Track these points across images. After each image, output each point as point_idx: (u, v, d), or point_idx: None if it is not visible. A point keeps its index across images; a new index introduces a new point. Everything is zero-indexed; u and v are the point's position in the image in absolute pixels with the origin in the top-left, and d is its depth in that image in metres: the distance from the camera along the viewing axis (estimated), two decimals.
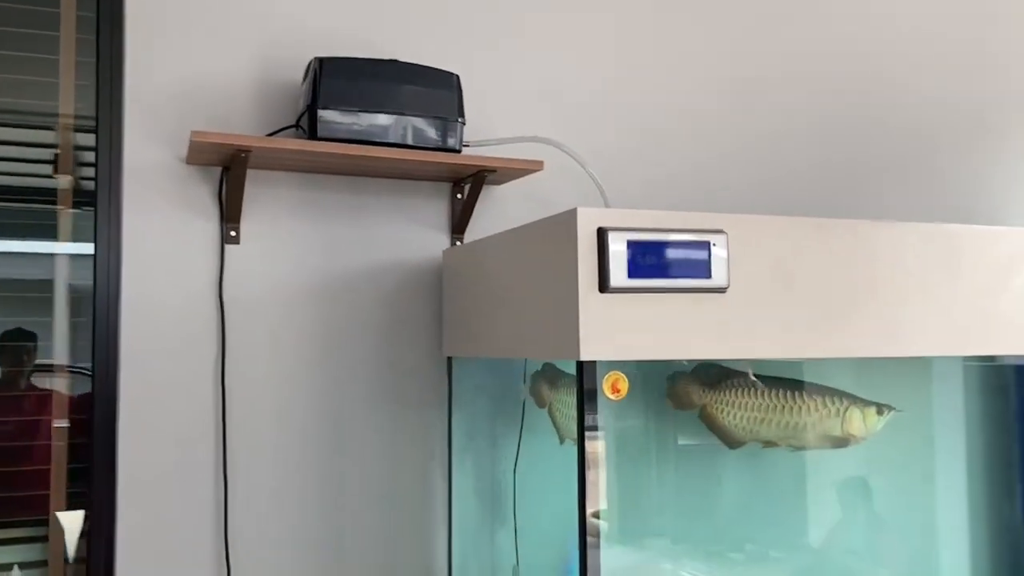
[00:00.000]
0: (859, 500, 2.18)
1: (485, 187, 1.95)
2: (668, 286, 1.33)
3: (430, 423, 1.91)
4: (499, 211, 1.98)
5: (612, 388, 1.32)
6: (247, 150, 1.64)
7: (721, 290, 1.36)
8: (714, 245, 1.36)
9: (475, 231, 1.97)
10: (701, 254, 1.35)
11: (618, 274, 1.29)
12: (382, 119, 1.72)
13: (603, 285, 1.29)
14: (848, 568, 2.17)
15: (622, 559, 1.83)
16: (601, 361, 1.31)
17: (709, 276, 1.35)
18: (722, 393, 1.64)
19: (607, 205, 1.93)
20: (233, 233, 1.80)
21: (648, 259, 1.31)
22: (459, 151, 1.79)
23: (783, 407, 1.64)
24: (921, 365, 2.03)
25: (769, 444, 1.68)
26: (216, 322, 1.77)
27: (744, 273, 1.39)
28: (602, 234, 1.29)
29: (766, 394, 1.64)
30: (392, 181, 1.91)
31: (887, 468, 2.19)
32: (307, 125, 1.71)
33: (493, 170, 1.83)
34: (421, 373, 1.91)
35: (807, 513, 2.09)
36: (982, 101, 2.50)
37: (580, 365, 1.31)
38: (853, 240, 1.51)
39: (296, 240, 1.84)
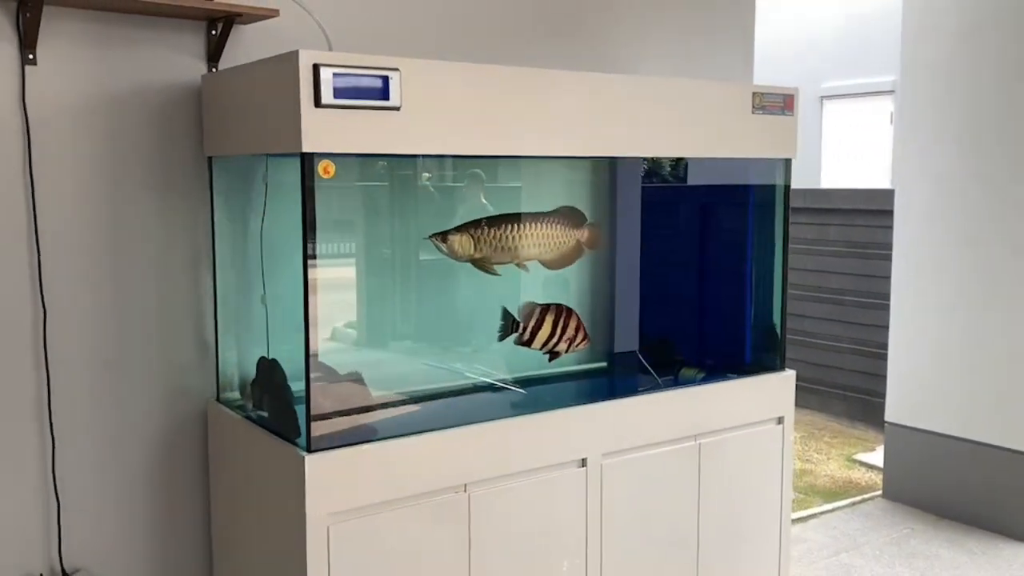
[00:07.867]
0: None
1: (236, 26, 2.53)
2: (359, 104, 2.04)
3: (195, 210, 2.55)
4: (248, 45, 2.58)
5: (324, 170, 2.04)
6: None
7: (396, 108, 2.09)
8: (391, 78, 2.08)
9: (226, 61, 2.56)
10: (381, 84, 2.07)
11: (327, 95, 1.99)
12: None
13: (317, 102, 1.98)
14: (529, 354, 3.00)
15: (371, 356, 2.60)
16: (317, 153, 2.02)
17: (388, 98, 2.08)
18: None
19: (330, 46, 2.58)
20: (31, 56, 2.30)
21: (346, 85, 2.02)
22: None
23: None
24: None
25: None
26: (21, 129, 2.29)
27: (413, 98, 2.12)
28: (316, 68, 1.98)
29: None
30: (161, 19, 2.46)
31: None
32: None
33: (240, 14, 2.43)
34: (187, 170, 2.53)
35: None
36: None
37: (303, 156, 2.01)
38: (502, 81, 2.29)
39: (84, 64, 2.37)
